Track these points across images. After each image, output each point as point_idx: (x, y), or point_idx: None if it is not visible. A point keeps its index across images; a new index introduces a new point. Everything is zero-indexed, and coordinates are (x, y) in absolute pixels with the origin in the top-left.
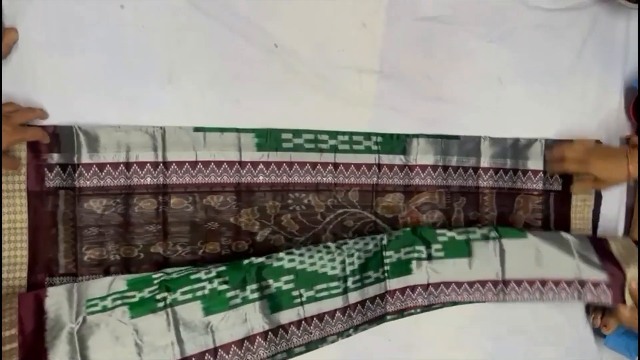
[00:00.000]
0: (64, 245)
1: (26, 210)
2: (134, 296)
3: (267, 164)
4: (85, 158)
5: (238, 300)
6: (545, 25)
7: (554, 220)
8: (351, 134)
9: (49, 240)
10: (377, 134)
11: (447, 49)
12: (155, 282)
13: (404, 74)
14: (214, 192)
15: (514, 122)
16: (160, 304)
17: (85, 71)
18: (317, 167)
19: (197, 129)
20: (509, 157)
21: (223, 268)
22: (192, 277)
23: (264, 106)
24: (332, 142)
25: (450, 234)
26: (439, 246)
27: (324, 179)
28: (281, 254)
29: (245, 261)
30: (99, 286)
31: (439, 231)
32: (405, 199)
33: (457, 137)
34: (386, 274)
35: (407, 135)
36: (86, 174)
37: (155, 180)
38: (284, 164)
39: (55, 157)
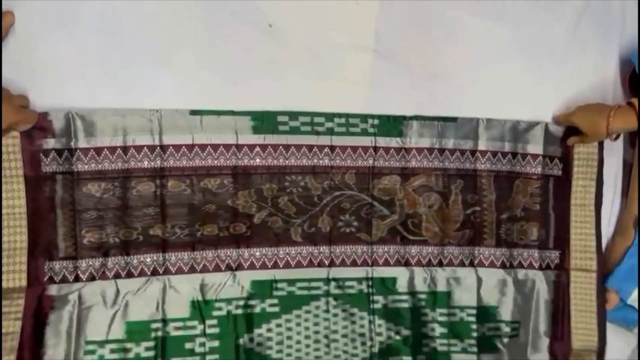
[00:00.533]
0: (63, 229)
1: (24, 195)
2: (130, 350)
3: (263, 147)
4: (83, 142)
5: None
6: (541, 1)
7: (552, 205)
8: (348, 116)
9: (48, 224)
10: (373, 116)
11: (442, 26)
12: (153, 335)
13: (399, 52)
14: (211, 174)
15: (511, 100)
16: None
17: (82, 55)
18: (314, 149)
19: (193, 112)
20: (507, 141)
21: (216, 344)
22: (187, 346)
23: (260, 87)
24: (328, 124)
25: None
26: None
27: (321, 161)
28: (272, 343)
29: (240, 341)
30: (97, 324)
31: None
32: (401, 182)
33: (454, 119)
34: None
35: (404, 118)
36: (84, 158)
37: (152, 163)
38: (281, 147)
39: (50, 143)
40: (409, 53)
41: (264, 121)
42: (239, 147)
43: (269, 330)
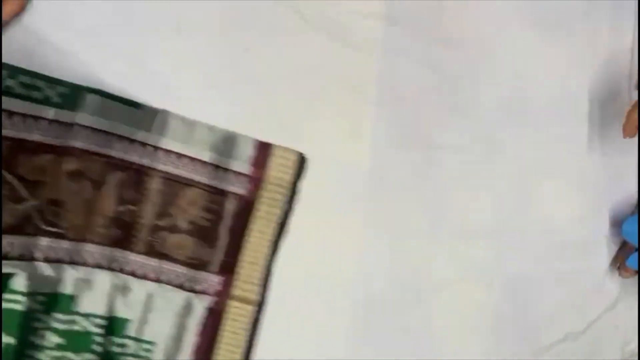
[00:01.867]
0: None
1: None
2: None
3: None
4: None
5: None
6: None
7: (229, 226)
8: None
9: None
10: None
11: None
12: None
13: (412, 19)
14: None
15: (524, 66)
16: None
17: (90, 24)
18: None
19: None
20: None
21: None
22: None
23: (270, 54)
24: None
25: None
26: None
27: None
28: None
29: None
30: None
31: None
32: (54, 161)
33: (137, 105)
34: None
35: (87, 89)
36: None
37: None
38: None
39: None
40: (422, 21)
41: None
42: None
43: None
